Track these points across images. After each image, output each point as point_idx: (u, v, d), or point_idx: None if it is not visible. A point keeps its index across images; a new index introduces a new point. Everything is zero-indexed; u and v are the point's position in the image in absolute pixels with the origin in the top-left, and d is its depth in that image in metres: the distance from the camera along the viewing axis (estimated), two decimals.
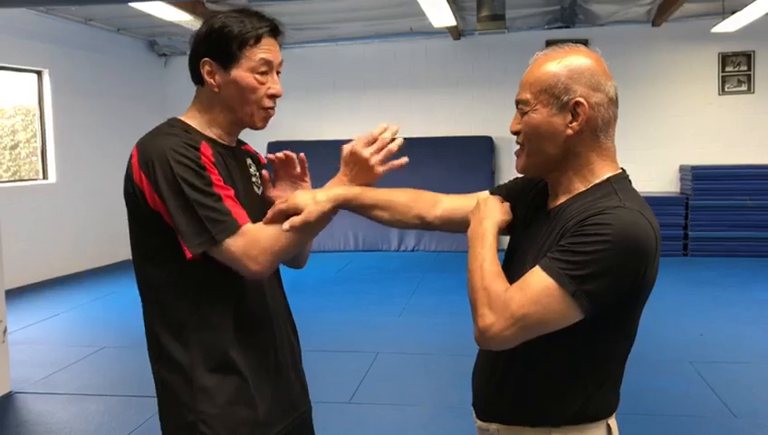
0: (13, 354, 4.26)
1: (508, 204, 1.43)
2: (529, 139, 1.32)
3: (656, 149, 8.68)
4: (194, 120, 1.51)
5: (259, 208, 1.52)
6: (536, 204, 1.42)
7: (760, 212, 7.99)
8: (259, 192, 1.61)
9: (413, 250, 8.94)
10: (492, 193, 1.50)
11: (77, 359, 4.71)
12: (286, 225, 1.38)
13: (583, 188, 1.30)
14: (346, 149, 1.49)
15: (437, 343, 4.75)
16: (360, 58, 9.38)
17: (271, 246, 1.38)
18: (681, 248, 8.22)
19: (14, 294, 6.44)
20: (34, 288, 7.14)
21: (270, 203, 1.51)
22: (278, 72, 1.52)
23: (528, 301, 1.19)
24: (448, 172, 8.46)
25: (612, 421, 1.35)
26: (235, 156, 1.55)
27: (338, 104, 9.42)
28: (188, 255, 1.37)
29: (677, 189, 8.68)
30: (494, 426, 1.38)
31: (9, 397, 4.02)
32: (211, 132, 1.50)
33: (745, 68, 8.53)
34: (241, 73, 1.46)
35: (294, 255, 1.58)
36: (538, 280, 1.20)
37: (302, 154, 1.66)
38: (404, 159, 1.54)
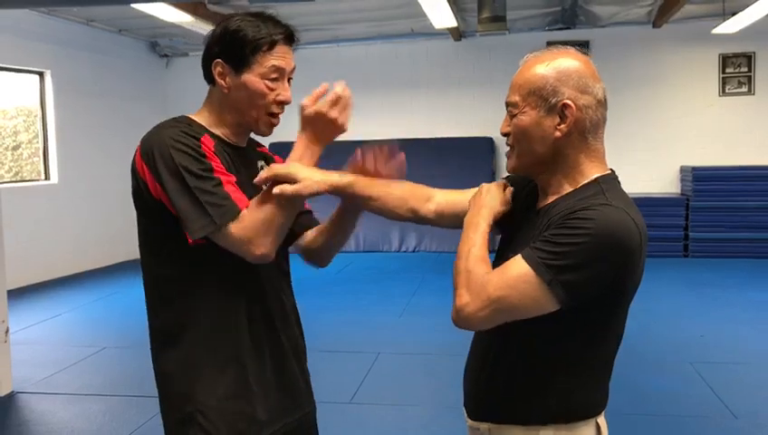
0: (14, 354, 4.28)
1: (511, 191, 1.45)
2: (518, 140, 1.34)
3: (656, 151, 8.68)
4: (202, 118, 1.52)
5: None
6: (527, 204, 1.43)
7: (760, 213, 8.00)
8: None
9: (414, 251, 8.95)
10: (507, 180, 1.52)
11: (78, 359, 4.73)
12: (277, 189, 1.37)
13: (571, 189, 1.32)
14: (309, 109, 1.45)
15: (438, 344, 4.76)
16: (361, 59, 9.40)
17: (269, 227, 1.37)
18: (682, 249, 8.22)
19: (16, 294, 6.45)
20: (36, 288, 7.16)
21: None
22: (290, 79, 1.52)
23: (505, 285, 1.22)
24: (449, 173, 8.45)
25: (601, 420, 1.36)
26: (243, 156, 1.55)
27: None
28: (189, 240, 1.36)
29: (678, 190, 8.68)
30: (484, 425, 1.39)
31: (11, 397, 4.03)
32: (218, 131, 1.51)
33: (746, 69, 8.53)
34: (251, 78, 1.46)
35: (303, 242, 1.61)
36: (517, 267, 1.22)
37: (401, 155, 1.55)
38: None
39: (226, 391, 1.45)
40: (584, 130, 1.30)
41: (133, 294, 6.45)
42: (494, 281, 1.23)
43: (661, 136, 8.71)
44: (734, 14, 7.22)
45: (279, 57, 1.47)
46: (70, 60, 8.02)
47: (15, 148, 7.95)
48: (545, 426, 1.31)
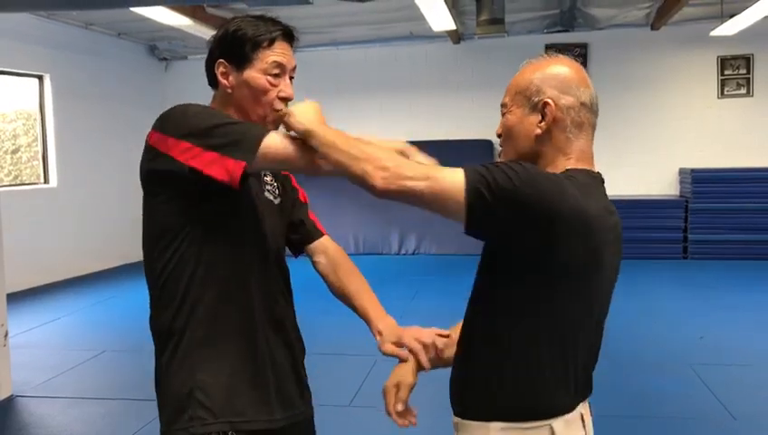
0: (14, 358, 4.27)
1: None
2: (506, 139, 1.39)
3: (655, 153, 8.68)
4: None
5: (269, 213, 1.56)
6: None
7: (759, 215, 8.01)
8: (271, 198, 1.62)
9: (413, 253, 8.95)
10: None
11: (78, 362, 4.72)
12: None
13: None
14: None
15: None
16: (360, 62, 9.41)
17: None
18: (681, 251, 8.22)
19: (16, 297, 6.43)
20: (35, 292, 7.15)
21: (285, 210, 1.62)
22: (291, 78, 1.54)
23: (427, 169, 1.27)
24: None
25: (557, 424, 1.29)
26: None
27: (339, 108, 9.42)
28: (239, 172, 1.35)
29: (677, 192, 8.68)
30: (455, 419, 1.42)
31: (10, 400, 4.03)
32: None
33: (744, 71, 8.54)
34: (253, 74, 1.49)
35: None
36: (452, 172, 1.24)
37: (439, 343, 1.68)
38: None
39: (224, 378, 1.47)
40: (565, 129, 1.32)
41: (132, 298, 6.44)
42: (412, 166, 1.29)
43: (660, 138, 8.71)
44: (732, 16, 7.23)
45: (279, 53, 1.50)
46: (69, 63, 8.02)
47: (15, 151, 7.96)
48: (489, 422, 1.30)
